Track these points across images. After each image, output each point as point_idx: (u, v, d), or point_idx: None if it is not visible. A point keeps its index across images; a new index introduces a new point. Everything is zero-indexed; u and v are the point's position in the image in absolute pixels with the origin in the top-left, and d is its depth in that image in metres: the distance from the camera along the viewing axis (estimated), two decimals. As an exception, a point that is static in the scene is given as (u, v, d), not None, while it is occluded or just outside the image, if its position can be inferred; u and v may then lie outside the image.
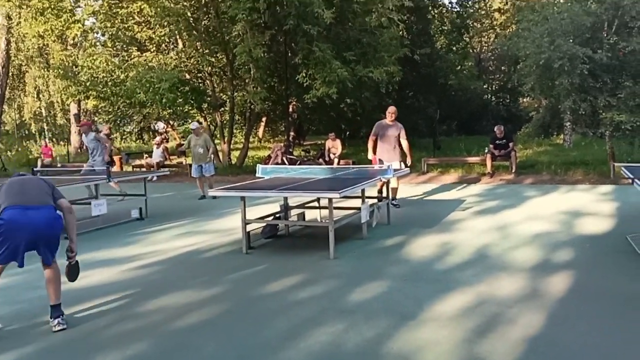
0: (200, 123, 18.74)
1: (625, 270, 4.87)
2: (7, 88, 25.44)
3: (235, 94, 17.12)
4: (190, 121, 23.36)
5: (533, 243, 6.04)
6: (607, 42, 15.42)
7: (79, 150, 27.20)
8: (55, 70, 17.73)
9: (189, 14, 15.41)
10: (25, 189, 3.97)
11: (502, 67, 31.57)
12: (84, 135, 10.68)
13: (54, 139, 31.33)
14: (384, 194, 8.28)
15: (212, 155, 11.42)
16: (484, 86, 31.51)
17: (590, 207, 8.30)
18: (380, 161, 8.54)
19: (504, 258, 5.44)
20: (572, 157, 14.41)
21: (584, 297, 4.20)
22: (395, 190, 8.84)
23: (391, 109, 8.74)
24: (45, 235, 3.85)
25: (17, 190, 3.93)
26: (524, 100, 31.28)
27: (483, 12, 30.60)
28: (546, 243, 6.01)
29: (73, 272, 4.15)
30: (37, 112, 33.35)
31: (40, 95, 30.77)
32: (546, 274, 4.82)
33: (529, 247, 5.85)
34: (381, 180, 7.59)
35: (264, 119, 25.90)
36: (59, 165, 19.09)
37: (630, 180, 5.71)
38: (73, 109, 27.58)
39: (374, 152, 8.73)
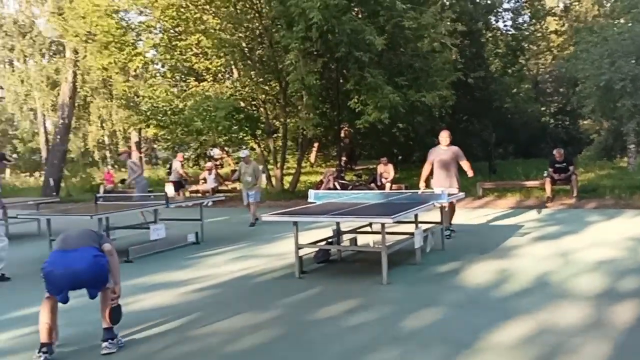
0: (253, 149, 19.12)
1: (699, 301, 4.56)
2: (74, 118, 26.87)
3: (288, 120, 17.42)
4: (244, 147, 23.84)
5: (597, 270, 5.76)
6: (672, 62, 14.81)
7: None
8: (118, 101, 18.61)
9: (243, 44, 15.92)
10: (68, 235, 4.11)
11: (561, 89, 30.75)
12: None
13: (116, 166, 32.67)
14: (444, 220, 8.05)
15: (264, 182, 11.59)
16: (542, 109, 30.73)
17: (659, 233, 7.87)
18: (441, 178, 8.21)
19: (565, 286, 5.22)
20: (637, 180, 13.72)
21: (655, 329, 3.96)
22: (451, 216, 8.38)
23: (444, 134, 8.36)
24: (86, 273, 3.85)
25: (62, 238, 4.09)
26: (584, 122, 30.25)
27: (539, 35, 29.96)
28: (611, 270, 5.72)
29: (115, 315, 4.10)
30: (100, 141, 34.97)
31: (104, 124, 32.28)
32: (611, 303, 4.58)
33: (593, 275, 5.58)
34: (436, 206, 7.34)
35: (316, 144, 26.15)
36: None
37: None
38: (134, 137, 28.79)
39: (426, 180, 8.37)
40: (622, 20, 17.48)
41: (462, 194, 8.04)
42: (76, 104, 26.20)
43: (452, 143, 8.41)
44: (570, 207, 11.30)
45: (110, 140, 34.88)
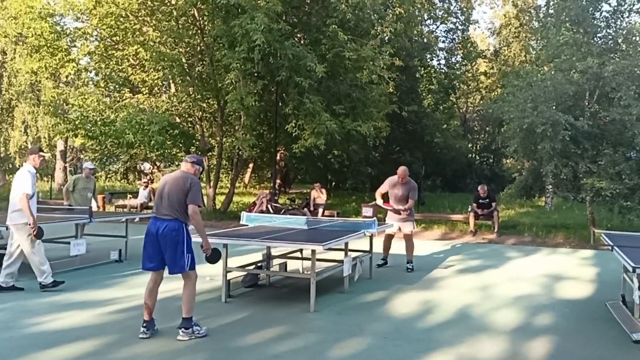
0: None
1: (604, 338, 4.87)
2: (-5, 121, 25.45)
3: (224, 139, 17.25)
4: (177, 164, 23.27)
5: (514, 305, 6.03)
6: (588, 111, 15.94)
7: (62, 187, 26.94)
8: (46, 107, 17.75)
9: (183, 59, 15.68)
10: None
11: (487, 128, 32.32)
12: None
13: (38, 175, 31.06)
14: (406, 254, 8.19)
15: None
16: (469, 145, 32.16)
17: (571, 271, 8.35)
18: (397, 212, 8.11)
19: (485, 319, 5.42)
20: (554, 219, 14.57)
21: (564, 364, 4.18)
22: (411, 250, 8.27)
23: (401, 171, 8.15)
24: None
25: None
26: (508, 161, 31.87)
27: (470, 75, 31.56)
28: (527, 306, 6.00)
29: (211, 258, 4.97)
30: (23, 147, 33.11)
31: (28, 131, 30.68)
32: (527, 338, 4.80)
33: (511, 309, 5.84)
34: (366, 235, 7.37)
35: (250, 165, 26.01)
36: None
37: (609, 247, 5.79)
38: (60, 145, 27.52)
39: (383, 200, 8.28)
40: (545, 68, 18.67)
41: (389, 224, 8.16)
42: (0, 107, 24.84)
43: (407, 176, 8.25)
44: (491, 242, 11.80)
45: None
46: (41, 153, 6.55)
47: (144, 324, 4.71)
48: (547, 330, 5.06)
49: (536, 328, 5.15)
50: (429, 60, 27.76)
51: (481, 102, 32.48)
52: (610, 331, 5.08)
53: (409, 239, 8.28)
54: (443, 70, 29.48)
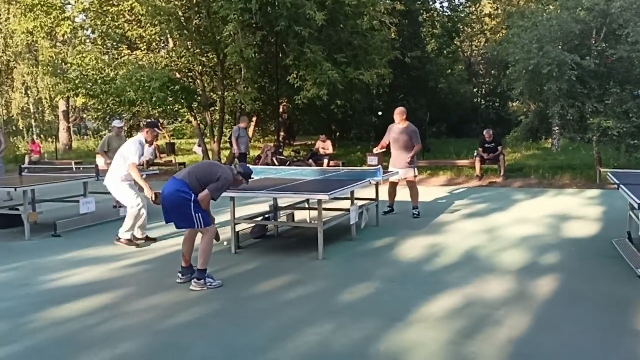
0: (190, 122, 18.57)
1: (610, 275, 4.93)
2: (-5, 84, 25.27)
3: (226, 93, 17.10)
4: (180, 120, 23.13)
5: (521, 246, 6.10)
6: (595, 49, 15.64)
7: (67, 148, 27.04)
8: (45, 68, 17.59)
9: (180, 13, 15.36)
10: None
11: (492, 72, 31.77)
12: None
13: (42, 136, 31.05)
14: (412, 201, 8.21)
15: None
16: (474, 90, 31.70)
17: (577, 211, 8.39)
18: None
19: (491, 260, 5.50)
20: (560, 161, 14.53)
21: (570, 301, 4.26)
22: (415, 196, 8.25)
23: (397, 112, 8.09)
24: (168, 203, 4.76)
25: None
26: (513, 104, 31.48)
27: (474, 17, 30.78)
28: (533, 246, 6.07)
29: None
30: (25, 109, 33.04)
31: (29, 92, 30.50)
32: (533, 277, 4.88)
33: (517, 250, 5.91)
34: (372, 183, 7.37)
35: (254, 119, 25.86)
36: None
37: (616, 186, 5.79)
38: (62, 106, 27.41)
39: (381, 148, 8.33)
40: (551, 7, 18.21)
41: (395, 172, 8.16)
42: (-2, 70, 24.65)
43: (407, 120, 8.13)
44: (497, 186, 11.82)
45: (36, 108, 32.98)
46: (156, 129, 6.79)
47: (180, 270, 5.00)
48: (552, 269, 5.13)
49: (542, 267, 5.22)
50: (431, 3, 27.03)
51: (486, 45, 31.77)
52: (616, 267, 5.14)
53: (412, 185, 8.27)
54: (446, 14, 28.73)
